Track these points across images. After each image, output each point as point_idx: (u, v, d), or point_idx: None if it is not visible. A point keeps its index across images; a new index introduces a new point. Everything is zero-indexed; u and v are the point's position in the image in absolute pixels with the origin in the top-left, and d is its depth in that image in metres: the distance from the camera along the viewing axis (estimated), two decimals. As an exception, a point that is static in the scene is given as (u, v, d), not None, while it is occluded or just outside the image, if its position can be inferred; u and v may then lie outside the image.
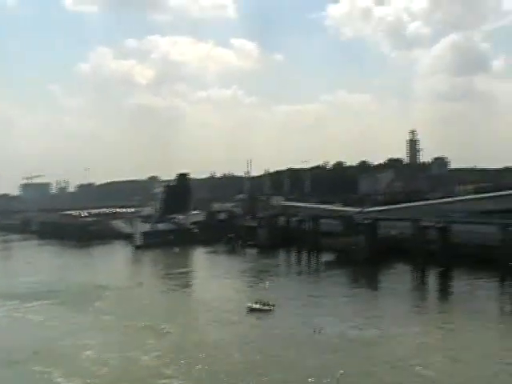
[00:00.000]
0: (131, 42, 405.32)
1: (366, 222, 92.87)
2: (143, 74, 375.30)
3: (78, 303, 67.83)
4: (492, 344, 47.86)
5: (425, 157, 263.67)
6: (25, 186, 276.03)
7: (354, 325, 53.68)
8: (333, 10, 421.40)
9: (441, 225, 79.43)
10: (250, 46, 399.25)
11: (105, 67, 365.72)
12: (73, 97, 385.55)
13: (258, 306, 60.33)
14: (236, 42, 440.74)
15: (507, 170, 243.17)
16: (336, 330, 52.08)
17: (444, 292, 71.36)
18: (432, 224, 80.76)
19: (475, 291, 68.05)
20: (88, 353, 47.78)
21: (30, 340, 53.50)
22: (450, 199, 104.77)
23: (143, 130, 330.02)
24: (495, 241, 73.26)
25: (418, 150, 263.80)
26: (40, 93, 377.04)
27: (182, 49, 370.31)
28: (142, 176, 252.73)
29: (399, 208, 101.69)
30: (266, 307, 59.92)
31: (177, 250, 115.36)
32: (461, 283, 72.44)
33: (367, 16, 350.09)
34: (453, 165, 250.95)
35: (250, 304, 61.24)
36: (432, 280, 75.88)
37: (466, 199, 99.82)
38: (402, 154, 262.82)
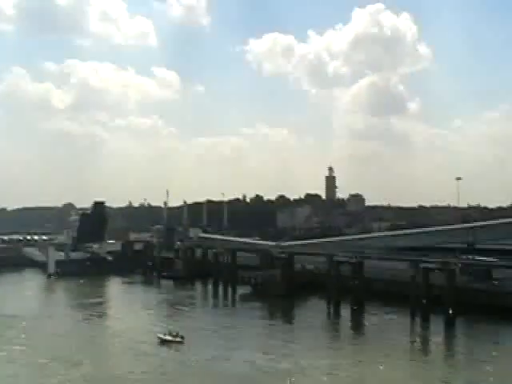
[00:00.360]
0: (49, 65, 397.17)
1: (282, 255, 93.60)
2: (61, 98, 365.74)
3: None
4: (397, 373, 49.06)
5: (341, 193, 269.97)
6: None
7: (267, 357, 53.72)
8: (255, 45, 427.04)
9: (354, 260, 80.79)
10: (171, 75, 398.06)
11: (20, 89, 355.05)
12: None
13: (168, 337, 59.59)
14: (157, 71, 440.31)
15: (421, 208, 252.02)
16: (249, 361, 51.89)
17: (356, 326, 72.33)
18: (346, 259, 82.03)
19: (386, 326, 69.38)
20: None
21: None
22: (364, 235, 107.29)
23: (59, 156, 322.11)
24: (406, 277, 74.82)
25: (335, 187, 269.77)
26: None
27: (102, 75, 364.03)
28: (57, 203, 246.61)
29: (315, 243, 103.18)
30: (178, 339, 59.21)
31: (81, 281, 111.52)
32: (373, 318, 73.66)
33: (288, 53, 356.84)
34: (368, 202, 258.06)
35: (160, 335, 60.42)
36: (345, 314, 76.69)
37: (381, 236, 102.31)
38: (320, 189, 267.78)
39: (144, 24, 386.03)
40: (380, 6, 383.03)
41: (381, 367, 51.36)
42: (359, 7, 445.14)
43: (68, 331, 68.38)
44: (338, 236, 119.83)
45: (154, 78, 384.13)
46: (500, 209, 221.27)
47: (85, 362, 53.22)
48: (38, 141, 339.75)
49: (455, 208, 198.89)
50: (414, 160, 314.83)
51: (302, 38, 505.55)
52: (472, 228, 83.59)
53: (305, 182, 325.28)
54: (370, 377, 49.51)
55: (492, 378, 47.96)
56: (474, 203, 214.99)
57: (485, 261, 76.24)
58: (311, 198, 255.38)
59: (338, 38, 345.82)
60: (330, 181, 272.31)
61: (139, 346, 59.11)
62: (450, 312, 66.72)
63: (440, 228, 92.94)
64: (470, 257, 79.28)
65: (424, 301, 69.76)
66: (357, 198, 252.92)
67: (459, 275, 76.21)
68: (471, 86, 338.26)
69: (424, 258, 73.77)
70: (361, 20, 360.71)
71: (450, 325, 66.41)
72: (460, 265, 72.84)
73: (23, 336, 64.43)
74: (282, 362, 52.48)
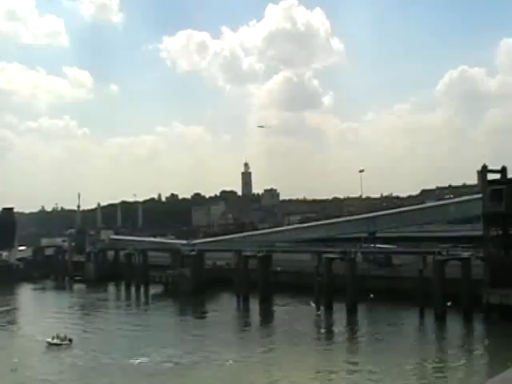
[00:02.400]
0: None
1: (191, 253, 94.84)
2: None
3: None
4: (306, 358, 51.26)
5: (258, 189, 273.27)
6: None
7: (174, 353, 54.53)
8: (169, 43, 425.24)
9: (261, 254, 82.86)
10: (83, 75, 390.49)
11: None
12: None
13: (56, 341, 59.23)
14: (69, 71, 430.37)
15: (335, 200, 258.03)
16: (155, 357, 52.80)
17: (265, 318, 74.67)
18: (253, 254, 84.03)
19: (293, 316, 71.72)
20: None
21: None
22: (272, 229, 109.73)
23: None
24: (311, 268, 77.43)
25: (250, 183, 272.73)
26: None
27: (10, 76, 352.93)
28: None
29: (225, 239, 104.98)
30: (65, 342, 59.03)
31: None
32: (280, 309, 76.36)
33: (203, 49, 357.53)
34: (284, 196, 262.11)
35: (49, 339, 59.86)
36: (254, 307, 78.91)
37: (288, 229, 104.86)
38: (236, 186, 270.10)
39: (54, 23, 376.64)
40: (293, 1, 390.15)
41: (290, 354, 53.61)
42: (272, 3, 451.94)
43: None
44: (251, 231, 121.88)
45: (65, 78, 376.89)
46: (410, 197, 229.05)
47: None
48: None
49: (367, 199, 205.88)
50: (329, 153, 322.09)
51: (216, 35, 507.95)
52: (372, 218, 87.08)
53: (221, 179, 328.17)
54: (282, 362, 51.43)
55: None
56: (386, 193, 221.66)
57: (384, 248, 79.89)
58: (227, 195, 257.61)
59: (252, 34, 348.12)
60: (246, 177, 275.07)
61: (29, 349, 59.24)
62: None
63: (341, 219, 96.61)
64: (372, 245, 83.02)
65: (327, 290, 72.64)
66: (271, 193, 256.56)
67: (362, 263, 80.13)
68: (382, 80, 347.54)
69: (325, 249, 76.71)
70: (274, 16, 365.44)
71: (352, 311, 69.49)
72: (359, 253, 76.02)
73: None
74: (189, 356, 53.57)
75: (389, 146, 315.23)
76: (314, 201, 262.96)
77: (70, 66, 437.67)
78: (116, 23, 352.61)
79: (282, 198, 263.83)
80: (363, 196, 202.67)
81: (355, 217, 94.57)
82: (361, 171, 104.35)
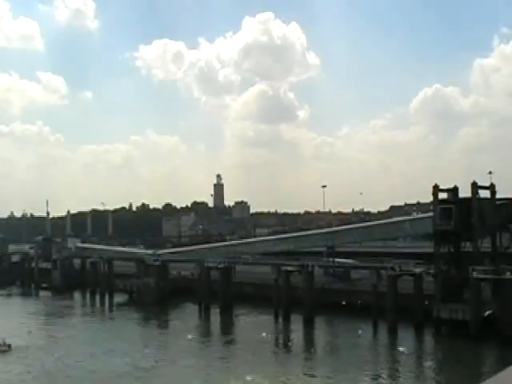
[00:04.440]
0: None
1: (156, 263, 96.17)
2: None
3: None
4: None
5: (229, 201, 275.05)
6: None
7: (128, 360, 55.82)
8: (145, 51, 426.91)
9: (223, 265, 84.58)
10: (57, 81, 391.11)
11: None
12: None
13: None
14: (43, 76, 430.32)
15: (307, 214, 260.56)
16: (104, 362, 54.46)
17: (225, 327, 77.03)
18: (215, 265, 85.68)
19: (252, 325, 74.04)
20: None
21: None
22: (235, 242, 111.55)
23: None
24: (271, 280, 79.29)
25: (222, 194, 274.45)
26: None
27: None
28: None
29: (189, 250, 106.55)
30: (3, 348, 59.89)
31: None
32: (240, 319, 78.75)
33: (179, 59, 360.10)
34: (256, 209, 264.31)
35: None
36: (215, 317, 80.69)
37: (252, 242, 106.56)
38: (208, 197, 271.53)
39: (29, 26, 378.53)
40: (270, 14, 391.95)
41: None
42: (249, 15, 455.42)
43: None
44: (217, 243, 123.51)
45: (39, 83, 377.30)
46: (379, 213, 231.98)
47: None
48: None
49: (338, 213, 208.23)
50: (303, 167, 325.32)
51: (193, 45, 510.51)
52: (331, 232, 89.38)
53: (193, 190, 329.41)
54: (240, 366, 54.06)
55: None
56: (358, 208, 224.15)
57: (340, 262, 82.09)
58: (198, 206, 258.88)
59: (229, 46, 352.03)
60: (218, 188, 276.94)
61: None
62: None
63: (302, 233, 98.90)
64: (331, 259, 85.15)
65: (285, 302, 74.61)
66: (241, 205, 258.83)
67: (322, 276, 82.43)
68: (358, 95, 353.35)
69: (284, 262, 78.83)
70: (251, 28, 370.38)
71: (309, 322, 71.34)
72: (317, 267, 78.14)
73: None
74: (142, 363, 55.07)
75: (363, 161, 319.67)
76: (285, 214, 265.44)
77: (44, 71, 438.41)
78: (92, 30, 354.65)
79: (253, 210, 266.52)
80: (334, 211, 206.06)
81: (315, 231, 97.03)
82: (323, 187, 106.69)
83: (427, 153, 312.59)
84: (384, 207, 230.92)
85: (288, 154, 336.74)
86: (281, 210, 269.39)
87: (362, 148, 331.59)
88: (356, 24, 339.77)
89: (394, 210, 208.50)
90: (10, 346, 60.28)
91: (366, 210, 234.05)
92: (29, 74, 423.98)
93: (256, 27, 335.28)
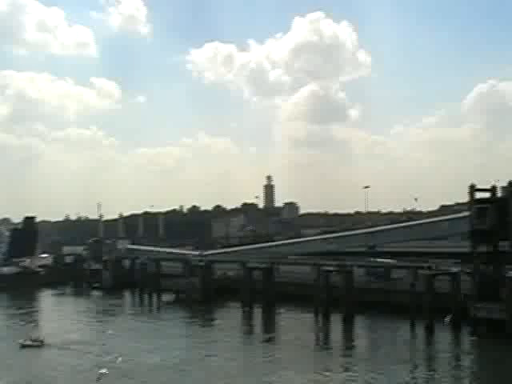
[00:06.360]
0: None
1: (201, 264, 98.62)
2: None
3: None
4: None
5: (279, 202, 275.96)
6: None
7: (175, 354, 58.60)
8: (196, 55, 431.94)
9: (265, 266, 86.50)
10: (111, 86, 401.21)
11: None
12: None
13: (29, 342, 63.43)
14: (97, 81, 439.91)
15: (357, 214, 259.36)
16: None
17: (267, 325, 79.28)
18: (258, 265, 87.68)
19: (293, 324, 75.74)
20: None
21: None
22: (276, 243, 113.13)
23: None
24: (312, 280, 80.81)
25: (272, 196, 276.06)
26: None
27: (39, 86, 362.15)
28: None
29: (236, 250, 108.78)
30: (36, 343, 63.24)
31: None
32: (281, 317, 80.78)
33: (230, 62, 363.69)
34: (306, 209, 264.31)
35: (21, 341, 64.07)
36: (257, 315, 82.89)
37: (293, 242, 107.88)
38: (258, 199, 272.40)
39: (83, 33, 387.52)
40: (320, 14, 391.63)
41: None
42: (299, 16, 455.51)
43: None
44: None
45: (93, 89, 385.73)
46: (429, 212, 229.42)
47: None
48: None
49: (389, 213, 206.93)
50: (353, 167, 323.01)
51: (243, 47, 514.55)
52: (371, 233, 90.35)
53: (244, 191, 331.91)
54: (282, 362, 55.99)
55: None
56: (409, 208, 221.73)
57: (381, 262, 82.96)
58: (247, 208, 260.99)
59: (279, 47, 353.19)
60: (268, 189, 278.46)
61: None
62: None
63: (344, 233, 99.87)
64: (372, 259, 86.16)
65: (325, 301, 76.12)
66: (291, 206, 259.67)
67: (363, 276, 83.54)
68: (409, 93, 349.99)
69: (324, 262, 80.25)
70: (301, 28, 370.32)
71: (348, 321, 72.51)
72: (356, 266, 79.28)
73: None
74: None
75: (415, 160, 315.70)
76: (335, 215, 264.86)
77: (97, 77, 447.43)
78: (144, 35, 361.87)
79: (303, 211, 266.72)
80: (384, 211, 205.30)
81: (356, 231, 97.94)
82: (366, 187, 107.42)
83: (481, 150, 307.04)
84: (435, 207, 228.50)
85: (339, 154, 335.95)
86: (331, 211, 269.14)
87: (413, 147, 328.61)
88: (407, 21, 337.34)
89: (444, 209, 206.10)
90: (42, 341, 63.59)
91: (416, 209, 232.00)
92: (83, 79, 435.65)
93: (306, 27, 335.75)
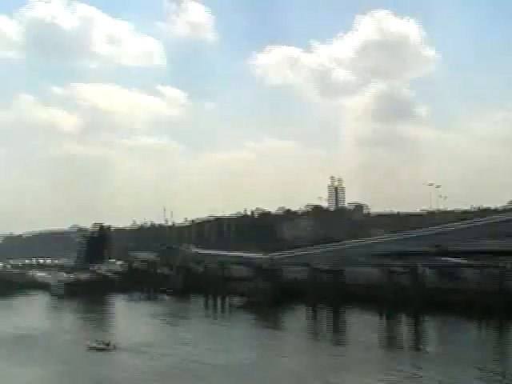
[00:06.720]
0: (57, 90, 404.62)
1: (268, 267, 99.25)
2: (69, 122, 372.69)
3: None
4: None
5: (346, 202, 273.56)
6: None
7: (244, 356, 59.09)
8: (261, 59, 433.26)
9: (331, 268, 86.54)
10: (178, 93, 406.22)
11: (29, 115, 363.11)
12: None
13: (97, 344, 64.74)
14: (164, 89, 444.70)
15: (428, 213, 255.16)
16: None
17: (334, 327, 79.26)
18: (325, 267, 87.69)
19: (360, 325, 75.54)
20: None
21: None
22: (344, 244, 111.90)
23: (69, 180, 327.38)
24: (379, 280, 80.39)
25: (340, 197, 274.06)
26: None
27: (109, 97, 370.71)
28: (67, 226, 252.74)
29: (303, 253, 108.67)
30: (104, 345, 64.34)
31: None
32: (350, 319, 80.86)
33: (294, 64, 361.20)
34: (374, 210, 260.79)
35: (88, 342, 65.69)
36: (324, 318, 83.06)
37: (360, 244, 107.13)
38: (325, 200, 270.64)
39: (150, 43, 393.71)
40: (384, 11, 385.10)
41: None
42: (363, 14, 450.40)
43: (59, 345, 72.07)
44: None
45: (161, 97, 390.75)
46: (505, 210, 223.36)
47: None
48: (48, 165, 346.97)
49: (463, 212, 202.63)
50: (422, 165, 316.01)
51: (307, 49, 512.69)
52: (440, 232, 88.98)
53: (310, 193, 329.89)
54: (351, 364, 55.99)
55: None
56: (483, 205, 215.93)
57: (449, 261, 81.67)
58: (314, 209, 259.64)
59: (343, 46, 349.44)
60: (335, 190, 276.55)
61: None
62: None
63: (412, 233, 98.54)
64: (442, 259, 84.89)
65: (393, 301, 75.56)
66: (358, 207, 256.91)
67: (431, 276, 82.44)
68: (480, 88, 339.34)
69: (391, 262, 79.61)
70: (365, 26, 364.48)
71: (416, 321, 71.94)
72: (420, 266, 78.39)
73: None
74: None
75: (486, 157, 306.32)
76: (403, 214, 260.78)
77: (165, 85, 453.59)
78: (209, 41, 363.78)
79: (372, 211, 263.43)
80: (451, 208, 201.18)
81: (423, 230, 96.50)
82: (430, 185, 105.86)
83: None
84: (504, 203, 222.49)
85: (407, 153, 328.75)
86: (399, 211, 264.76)
87: (484, 143, 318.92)
88: (477, 13, 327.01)
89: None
90: (108, 344, 64.65)
91: (486, 206, 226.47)
92: (151, 88, 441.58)
93: (370, 25, 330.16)
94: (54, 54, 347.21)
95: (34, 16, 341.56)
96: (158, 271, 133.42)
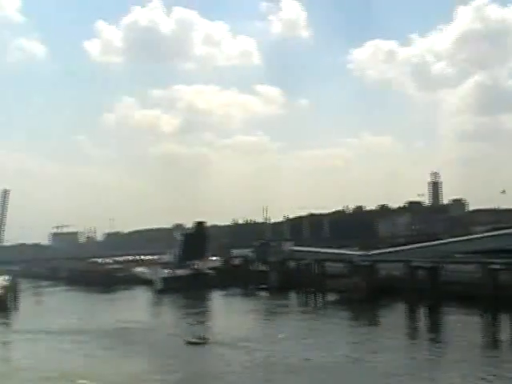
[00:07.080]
0: (156, 92, 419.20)
1: (364, 263, 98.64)
2: (168, 123, 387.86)
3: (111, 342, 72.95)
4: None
5: (446, 198, 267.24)
6: (54, 236, 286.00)
7: (339, 352, 59.45)
8: (356, 54, 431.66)
9: (429, 265, 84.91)
10: (274, 92, 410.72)
11: (130, 117, 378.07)
12: (98, 147, 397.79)
13: (194, 339, 66.45)
14: (261, 88, 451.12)
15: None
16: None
17: (431, 326, 77.81)
18: (423, 264, 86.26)
19: (458, 325, 73.53)
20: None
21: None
22: (443, 241, 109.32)
23: (168, 179, 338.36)
24: (478, 279, 78.32)
25: (439, 193, 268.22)
26: (66, 144, 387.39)
27: (207, 97, 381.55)
28: (168, 224, 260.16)
29: (400, 250, 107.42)
30: (201, 340, 66.11)
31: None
32: (447, 318, 79.03)
33: (391, 58, 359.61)
34: (475, 206, 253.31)
35: (187, 338, 67.59)
36: (421, 316, 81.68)
37: (460, 240, 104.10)
38: (424, 196, 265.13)
39: (246, 43, 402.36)
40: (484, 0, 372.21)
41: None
42: (462, 4, 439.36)
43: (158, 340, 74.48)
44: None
45: (257, 96, 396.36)
46: None
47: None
48: (147, 165, 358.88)
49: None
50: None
51: (404, 42, 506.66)
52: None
53: (409, 189, 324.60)
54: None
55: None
56: None
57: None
58: (413, 206, 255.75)
59: (442, 39, 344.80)
60: (434, 186, 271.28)
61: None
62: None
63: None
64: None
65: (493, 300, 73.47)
66: (458, 203, 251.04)
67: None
68: None
69: (492, 260, 77.31)
70: (464, 17, 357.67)
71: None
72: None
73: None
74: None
75: None
76: (508, 210, 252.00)
77: (261, 84, 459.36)
78: (304, 39, 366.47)
79: (471, 207, 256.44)
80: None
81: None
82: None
83: None
84: None
85: (510, 146, 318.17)
86: (502, 206, 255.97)
87: None
88: None
89: None
90: (205, 338, 66.79)
91: None
92: (247, 87, 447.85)
93: (470, 15, 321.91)
94: (153, 58, 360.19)
95: (133, 21, 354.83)
96: (254, 268, 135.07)
